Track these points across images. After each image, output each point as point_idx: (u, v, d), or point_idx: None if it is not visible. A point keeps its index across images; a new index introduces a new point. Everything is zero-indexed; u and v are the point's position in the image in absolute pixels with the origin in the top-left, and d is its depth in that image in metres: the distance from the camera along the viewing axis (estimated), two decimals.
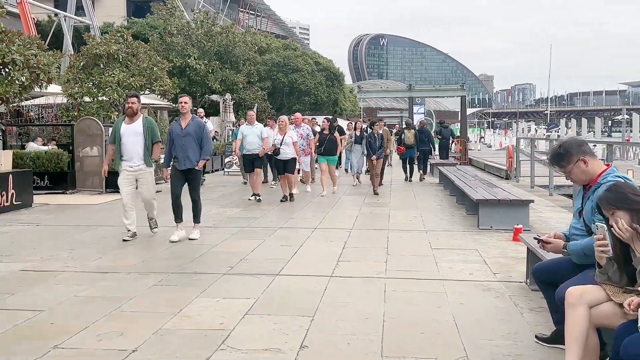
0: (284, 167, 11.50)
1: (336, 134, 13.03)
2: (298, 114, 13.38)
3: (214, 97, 24.42)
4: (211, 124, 13.18)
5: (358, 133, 14.83)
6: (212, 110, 24.39)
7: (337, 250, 6.94)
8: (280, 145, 11.29)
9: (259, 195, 11.37)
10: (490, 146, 57.56)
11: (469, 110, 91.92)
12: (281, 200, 11.28)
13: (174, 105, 26.67)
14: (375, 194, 12.59)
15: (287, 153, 11.38)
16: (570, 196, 14.44)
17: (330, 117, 15.64)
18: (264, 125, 12.96)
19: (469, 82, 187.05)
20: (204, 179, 14.03)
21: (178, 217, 7.61)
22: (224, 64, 22.12)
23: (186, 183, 7.63)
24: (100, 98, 14.76)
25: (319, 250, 6.97)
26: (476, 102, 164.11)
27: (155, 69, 15.78)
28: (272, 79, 30.98)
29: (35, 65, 9.19)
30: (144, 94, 16.89)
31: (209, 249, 7.02)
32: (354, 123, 17.94)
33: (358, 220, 9.29)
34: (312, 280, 5.60)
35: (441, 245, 7.31)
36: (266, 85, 29.90)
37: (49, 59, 9.46)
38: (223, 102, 23.57)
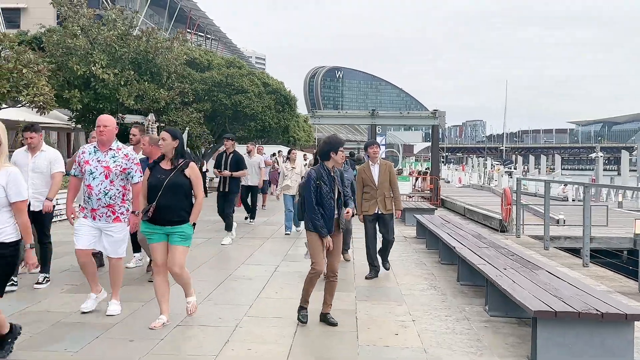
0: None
1: (191, 168, 5.24)
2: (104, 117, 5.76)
3: (134, 117, 19.79)
4: None
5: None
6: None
7: None
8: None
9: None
10: (448, 182, 54.42)
11: (422, 145, 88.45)
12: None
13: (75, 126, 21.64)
14: (329, 322, 5.43)
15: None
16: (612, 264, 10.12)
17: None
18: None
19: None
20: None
21: None
22: (142, 75, 17.53)
23: None
24: None
25: None
26: (428, 137, 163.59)
27: (25, 71, 11.20)
28: (212, 100, 26.60)
29: None
30: (14, 106, 12.32)
31: None
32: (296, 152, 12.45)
33: (299, 336, 4.94)
34: None
35: None
36: (205, 107, 25.52)
37: None
38: (148, 125, 19.17)
